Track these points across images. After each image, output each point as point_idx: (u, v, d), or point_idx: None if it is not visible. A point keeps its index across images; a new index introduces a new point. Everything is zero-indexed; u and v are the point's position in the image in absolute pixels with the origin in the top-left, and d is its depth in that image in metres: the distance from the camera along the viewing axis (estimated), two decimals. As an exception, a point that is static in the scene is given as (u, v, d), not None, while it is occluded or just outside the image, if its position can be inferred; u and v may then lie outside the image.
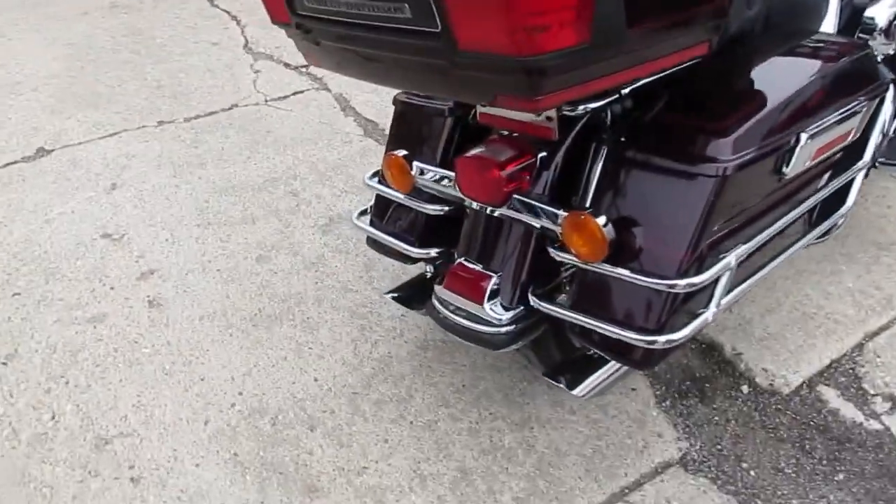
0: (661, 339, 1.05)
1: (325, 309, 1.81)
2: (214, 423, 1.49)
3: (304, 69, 3.10)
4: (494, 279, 1.23)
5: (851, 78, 1.33)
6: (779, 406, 1.64)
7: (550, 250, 1.16)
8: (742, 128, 1.05)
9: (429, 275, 1.54)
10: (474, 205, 1.26)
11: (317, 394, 1.57)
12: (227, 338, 1.71)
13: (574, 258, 1.11)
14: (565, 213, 1.09)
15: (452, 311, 1.28)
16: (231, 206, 2.19)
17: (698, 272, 1.04)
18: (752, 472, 1.48)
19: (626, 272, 1.05)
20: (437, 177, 1.31)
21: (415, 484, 1.39)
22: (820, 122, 1.19)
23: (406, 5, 0.88)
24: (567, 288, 1.24)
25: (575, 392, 1.23)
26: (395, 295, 1.53)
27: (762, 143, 1.07)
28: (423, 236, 1.41)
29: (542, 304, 1.18)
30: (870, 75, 1.38)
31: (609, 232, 1.05)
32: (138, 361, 1.63)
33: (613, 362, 1.26)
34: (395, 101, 1.50)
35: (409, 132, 1.45)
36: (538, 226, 1.17)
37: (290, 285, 1.88)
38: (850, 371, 1.74)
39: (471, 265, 1.27)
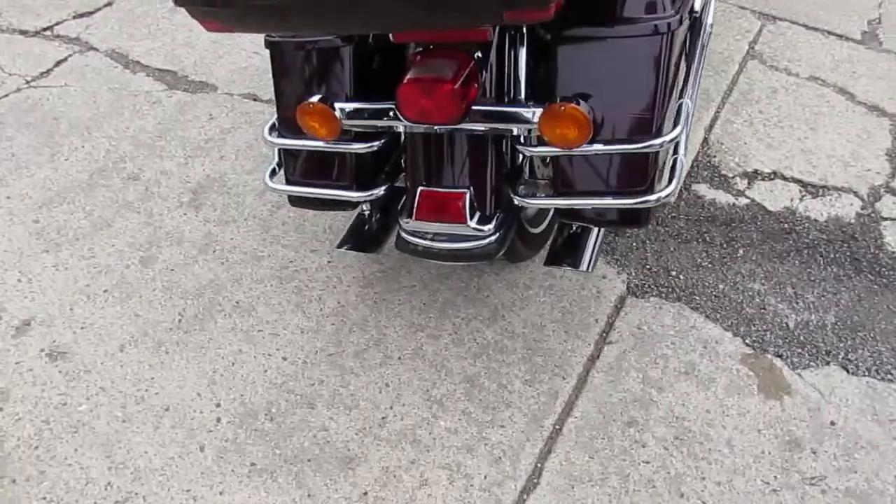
0: (656, 195, 1.16)
1: (249, 286, 1.70)
2: (211, 445, 1.40)
3: (47, 32, 2.60)
4: (468, 195, 1.24)
5: None
6: (673, 214, 1.88)
7: (523, 149, 1.19)
8: None
9: (367, 213, 1.50)
10: (416, 129, 1.23)
11: (294, 371, 1.52)
12: (165, 356, 1.56)
13: (554, 148, 1.15)
14: (541, 109, 1.12)
15: (432, 239, 1.28)
16: (70, 217, 1.89)
17: (671, 125, 1.14)
18: (681, 276, 1.72)
19: (610, 147, 1.12)
20: (370, 112, 1.25)
21: (436, 410, 1.44)
22: None
23: None
24: (540, 177, 1.30)
25: (582, 268, 1.32)
26: (349, 245, 1.48)
27: None
28: (360, 178, 1.36)
29: (530, 200, 1.23)
30: None
31: (590, 114, 1.10)
32: (82, 423, 1.44)
33: (596, 229, 1.36)
34: (270, 45, 1.35)
35: (302, 74, 1.34)
36: (510, 130, 1.18)
37: (195, 276, 1.72)
38: (708, 163, 2.03)
39: (436, 189, 1.26)
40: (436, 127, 1.21)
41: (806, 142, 2.06)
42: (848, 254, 1.76)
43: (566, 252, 1.38)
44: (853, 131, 2.10)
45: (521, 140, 1.22)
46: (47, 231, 1.85)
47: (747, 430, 1.40)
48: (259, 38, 1.96)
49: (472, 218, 1.24)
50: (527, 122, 1.16)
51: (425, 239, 1.29)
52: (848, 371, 1.51)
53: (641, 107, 1.13)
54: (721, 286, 1.70)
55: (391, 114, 1.22)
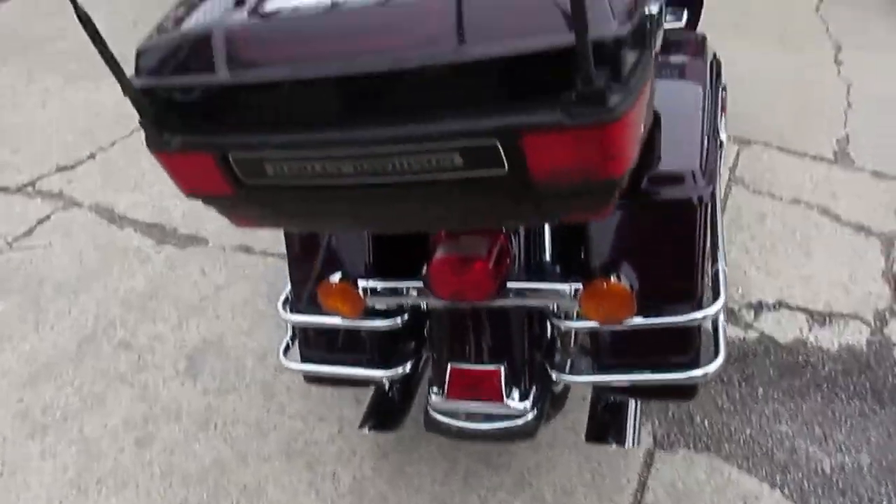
0: (703, 371, 1.12)
1: (256, 465, 1.59)
2: None
3: (28, 189, 2.56)
4: (503, 371, 1.19)
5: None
6: (686, 352, 1.85)
7: (560, 323, 1.16)
8: (703, 154, 1.13)
9: (386, 387, 1.43)
10: (440, 304, 1.19)
11: (313, 564, 1.40)
12: (168, 556, 1.42)
13: (593, 323, 1.12)
14: (580, 286, 1.09)
15: (467, 419, 1.22)
16: (58, 393, 1.78)
17: (712, 293, 1.13)
18: (705, 422, 1.67)
19: (654, 320, 1.10)
20: (396, 290, 1.21)
21: None
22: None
23: (456, 155, 0.79)
24: (573, 349, 1.26)
25: (627, 445, 1.26)
26: (371, 424, 1.41)
27: (710, 158, 1.16)
28: (383, 354, 1.31)
29: (572, 378, 1.19)
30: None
31: (631, 288, 1.07)
32: None
33: (632, 400, 1.31)
34: None
35: (319, 249, 1.31)
36: (546, 305, 1.15)
37: (197, 457, 1.61)
38: (711, 295, 2.02)
39: (468, 366, 1.21)
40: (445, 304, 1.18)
41: (803, 268, 2.08)
42: (867, 385, 1.74)
43: (607, 426, 1.32)
44: (846, 253, 2.13)
45: (556, 312, 1.19)
46: (32, 411, 1.73)
47: None
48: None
49: (508, 395, 1.19)
50: (565, 298, 1.13)
51: (459, 419, 1.23)
52: (895, 521, 1.45)
53: (683, 277, 1.12)
54: (748, 430, 1.65)
55: (419, 291, 1.19)
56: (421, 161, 0.80)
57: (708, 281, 1.16)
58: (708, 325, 1.16)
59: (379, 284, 1.23)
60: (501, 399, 1.19)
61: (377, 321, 1.27)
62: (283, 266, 2.14)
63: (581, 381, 1.21)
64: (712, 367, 1.12)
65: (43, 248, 2.27)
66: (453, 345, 1.24)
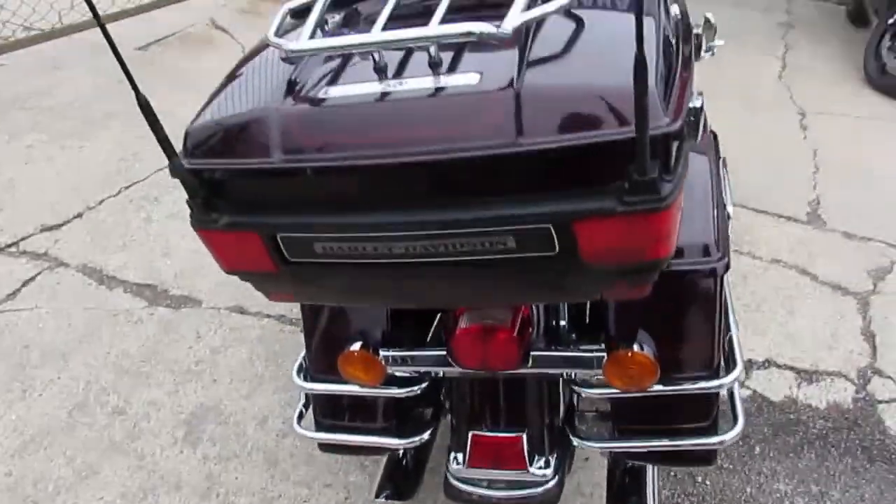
0: (720, 438, 1.15)
1: (261, 535, 1.55)
2: None
3: (13, 249, 2.51)
4: (524, 438, 1.20)
5: None
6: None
7: (580, 390, 1.18)
8: (716, 227, 1.18)
9: (401, 453, 1.43)
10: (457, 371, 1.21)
11: None
12: None
13: (614, 390, 1.14)
14: (604, 355, 1.12)
15: (488, 487, 1.22)
16: (49, 465, 1.72)
17: (727, 360, 1.17)
18: (707, 482, 1.70)
19: (676, 388, 1.13)
20: (420, 358, 1.23)
21: None
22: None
23: (510, 238, 0.82)
24: (591, 415, 1.28)
25: None
26: (387, 494, 1.39)
27: (723, 229, 1.21)
28: (401, 422, 1.31)
29: (594, 444, 1.21)
30: None
31: (654, 357, 1.11)
32: None
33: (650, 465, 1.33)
34: None
35: (337, 316, 1.32)
36: (568, 374, 1.18)
37: (199, 529, 1.57)
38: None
39: (490, 434, 1.22)
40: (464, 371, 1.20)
41: (787, 326, 2.16)
42: (857, 442, 1.80)
43: (628, 491, 1.34)
44: (826, 312, 2.22)
45: (575, 379, 1.22)
46: (22, 485, 1.67)
47: None
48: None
49: (531, 462, 1.20)
50: (590, 367, 1.16)
51: (480, 487, 1.23)
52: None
53: (702, 345, 1.15)
54: (748, 489, 1.68)
55: (442, 360, 1.20)
56: (474, 243, 0.84)
57: (725, 348, 1.20)
58: (723, 390, 1.21)
59: (401, 353, 1.24)
60: (525, 466, 1.20)
61: (397, 389, 1.27)
62: (280, 327, 2.15)
63: (601, 448, 1.23)
64: (732, 434, 1.16)
65: (29, 311, 2.22)
66: (474, 412, 1.25)
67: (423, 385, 1.28)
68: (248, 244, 0.92)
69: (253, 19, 4.53)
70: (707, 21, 1.73)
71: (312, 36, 0.89)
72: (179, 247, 2.50)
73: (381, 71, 0.88)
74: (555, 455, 1.24)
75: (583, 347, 1.18)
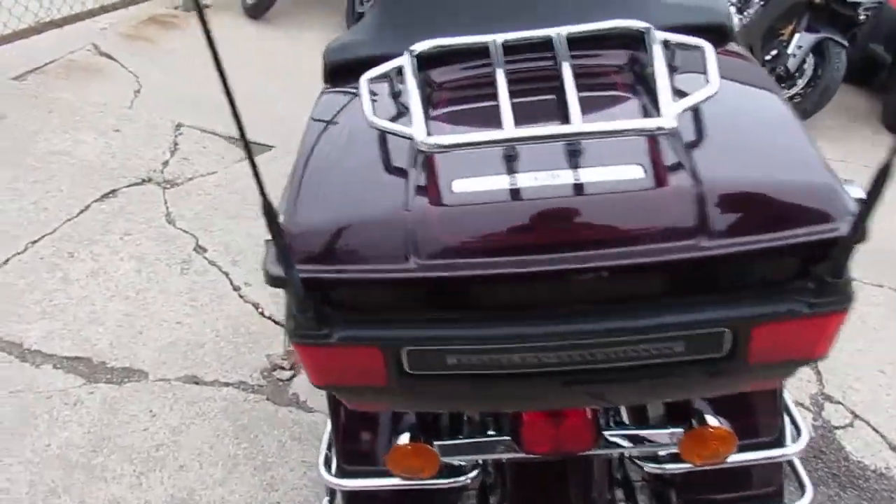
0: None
1: None
2: None
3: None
4: None
5: None
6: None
7: (652, 467, 1.16)
8: None
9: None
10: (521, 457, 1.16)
11: None
12: None
13: (688, 465, 1.13)
14: (681, 430, 1.10)
15: None
16: None
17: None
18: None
19: (750, 455, 1.12)
20: (481, 445, 1.16)
21: None
22: None
23: (679, 343, 0.78)
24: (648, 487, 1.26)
25: None
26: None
27: None
28: None
29: None
30: None
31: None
32: None
33: None
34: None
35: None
36: (641, 453, 1.15)
37: None
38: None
39: None
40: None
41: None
42: (826, 470, 1.92)
43: None
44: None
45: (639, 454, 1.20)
46: None
47: None
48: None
49: None
50: (665, 445, 1.14)
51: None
52: None
53: (769, 414, 1.17)
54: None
55: (505, 446, 1.14)
56: (639, 350, 0.79)
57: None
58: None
59: (460, 442, 1.17)
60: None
61: (446, 479, 1.20)
62: (243, 397, 1.98)
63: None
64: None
65: None
66: (538, 499, 1.20)
67: (475, 472, 1.21)
68: (363, 359, 0.82)
69: (141, 45, 4.19)
70: None
71: (429, 128, 0.81)
72: (108, 310, 2.24)
73: (513, 161, 0.81)
74: None
75: (654, 425, 1.16)
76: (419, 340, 0.80)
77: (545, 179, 0.79)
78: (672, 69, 0.93)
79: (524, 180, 0.79)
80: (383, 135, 0.90)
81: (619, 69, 1.00)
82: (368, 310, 0.80)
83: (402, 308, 0.80)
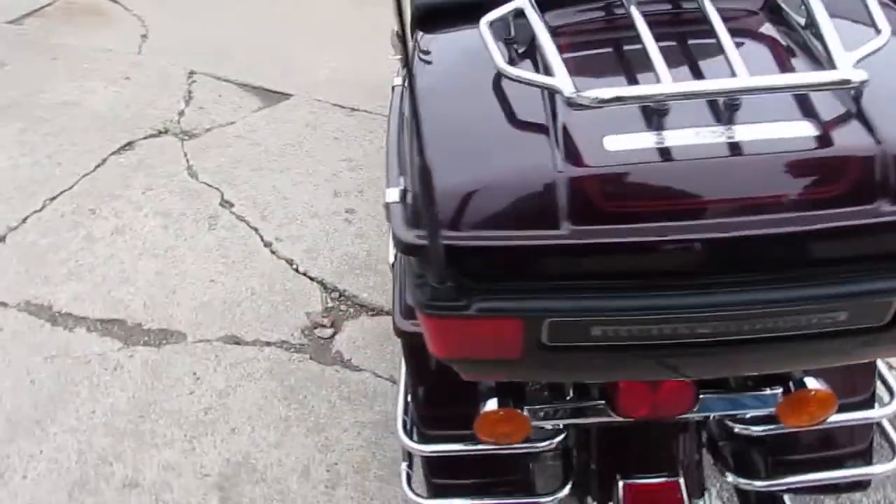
0: (884, 469, 1.13)
1: None
2: None
3: None
4: (681, 483, 1.12)
5: None
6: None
7: (746, 429, 1.12)
8: None
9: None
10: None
11: None
12: None
13: (786, 426, 1.09)
14: (780, 391, 1.05)
15: None
16: None
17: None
18: None
19: (848, 416, 1.09)
20: (574, 410, 1.11)
21: None
22: None
23: (843, 313, 0.73)
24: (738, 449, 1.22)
25: None
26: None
27: None
28: (532, 479, 1.20)
29: (757, 483, 1.15)
30: None
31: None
32: None
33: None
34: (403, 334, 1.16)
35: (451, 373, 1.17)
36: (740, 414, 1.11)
37: None
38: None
39: (645, 481, 1.13)
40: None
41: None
42: None
43: None
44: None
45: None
46: None
47: None
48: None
49: None
50: (764, 406, 1.09)
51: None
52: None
53: (864, 374, 1.13)
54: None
55: (597, 411, 1.09)
56: (800, 319, 0.72)
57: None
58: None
59: (552, 406, 1.12)
60: (685, 509, 1.12)
61: (537, 443, 1.15)
62: (287, 357, 1.92)
63: (765, 487, 1.18)
64: (888, 467, 1.14)
65: (-31, 367, 1.82)
66: (626, 460, 1.16)
67: (563, 436, 1.16)
68: (501, 332, 0.76)
69: (146, -15, 3.99)
70: None
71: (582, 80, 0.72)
72: (137, 269, 2.15)
73: (665, 115, 0.72)
74: (706, 495, 1.18)
75: (753, 387, 1.11)
76: (567, 312, 0.73)
77: (706, 136, 0.71)
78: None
79: (682, 137, 0.71)
80: (512, 85, 0.81)
81: (759, 14, 0.91)
82: (511, 279, 0.73)
83: (549, 276, 0.73)
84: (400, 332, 1.19)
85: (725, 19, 0.81)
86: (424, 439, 1.21)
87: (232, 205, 2.46)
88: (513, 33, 0.91)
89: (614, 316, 0.73)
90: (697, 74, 0.78)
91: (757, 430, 1.14)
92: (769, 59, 0.84)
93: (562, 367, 0.85)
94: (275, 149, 2.75)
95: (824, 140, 0.70)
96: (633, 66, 0.80)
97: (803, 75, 0.69)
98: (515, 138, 0.78)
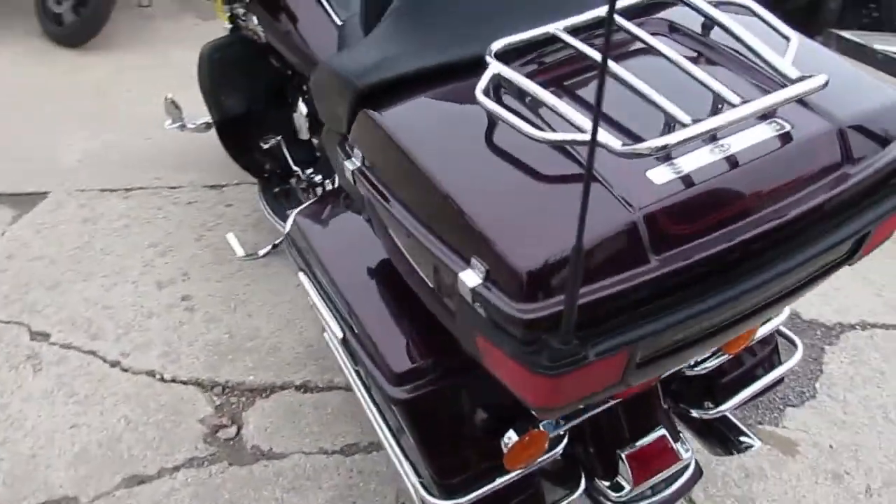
0: (796, 359, 1.52)
1: None
2: None
3: None
4: (666, 434, 1.33)
5: None
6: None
7: (694, 370, 1.38)
8: None
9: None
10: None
11: None
12: None
13: (721, 358, 1.38)
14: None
15: (655, 494, 1.35)
16: None
17: None
18: None
19: (763, 330, 1.40)
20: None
21: None
22: None
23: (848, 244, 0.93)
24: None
25: (756, 445, 1.52)
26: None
27: None
28: (542, 491, 1.33)
29: (722, 407, 1.43)
30: None
31: None
32: None
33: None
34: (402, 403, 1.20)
35: (463, 417, 1.25)
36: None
37: None
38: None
39: (639, 445, 1.32)
40: None
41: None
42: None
43: (727, 438, 1.56)
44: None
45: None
46: None
47: None
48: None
49: (682, 451, 1.35)
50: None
51: (649, 498, 1.35)
52: None
53: None
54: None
55: None
56: (817, 262, 0.92)
57: None
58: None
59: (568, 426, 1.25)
60: (678, 457, 1.35)
61: (555, 450, 1.25)
62: (206, 473, 1.77)
63: (730, 407, 1.44)
64: (796, 358, 1.50)
65: None
66: (618, 434, 1.34)
67: (567, 436, 1.30)
68: (609, 366, 0.85)
69: None
70: None
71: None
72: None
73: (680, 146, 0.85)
74: (681, 433, 1.41)
75: None
76: (660, 331, 0.83)
77: (721, 151, 0.87)
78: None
79: (705, 155, 0.87)
80: (524, 146, 0.88)
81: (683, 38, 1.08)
82: (614, 317, 0.82)
83: (644, 303, 0.83)
84: (397, 402, 1.22)
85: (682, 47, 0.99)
86: (448, 491, 1.25)
87: (47, 335, 2.13)
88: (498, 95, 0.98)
89: (693, 320, 0.85)
90: (697, 105, 0.88)
91: (710, 365, 1.40)
92: (733, 79, 0.98)
93: (648, 374, 0.97)
94: (62, 258, 2.43)
95: (803, 129, 0.91)
96: (634, 106, 0.89)
97: (793, 88, 0.86)
98: (572, 196, 0.83)
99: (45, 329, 2.15)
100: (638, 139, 0.85)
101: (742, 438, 1.53)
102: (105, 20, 3.78)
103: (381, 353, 1.24)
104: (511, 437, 1.20)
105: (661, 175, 0.86)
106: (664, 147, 0.81)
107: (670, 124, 0.86)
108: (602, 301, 0.80)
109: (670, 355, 0.93)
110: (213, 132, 2.43)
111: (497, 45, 1.00)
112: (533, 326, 0.79)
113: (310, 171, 2.28)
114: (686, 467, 1.38)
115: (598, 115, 0.61)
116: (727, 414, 1.52)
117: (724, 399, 1.46)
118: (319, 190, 2.22)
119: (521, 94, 0.97)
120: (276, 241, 2.43)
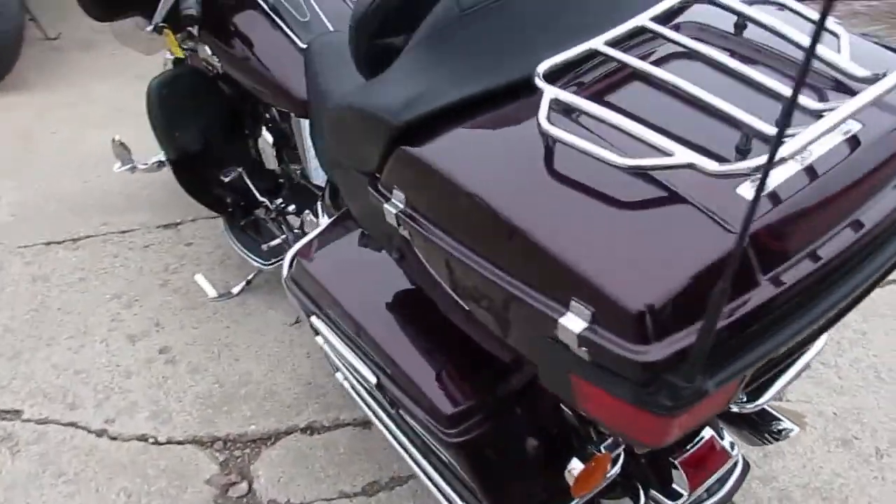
0: None
1: None
2: None
3: None
4: (713, 434, 1.33)
5: None
6: None
7: None
8: None
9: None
10: None
11: None
12: None
13: None
14: None
15: (710, 496, 1.35)
16: None
17: None
18: None
19: None
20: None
21: None
22: None
23: None
24: None
25: (795, 430, 1.53)
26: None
27: None
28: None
29: (762, 399, 1.42)
30: None
31: None
32: None
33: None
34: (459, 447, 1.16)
35: (521, 464, 1.22)
36: None
37: None
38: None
39: (690, 451, 1.30)
40: None
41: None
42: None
43: (767, 428, 1.56)
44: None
45: None
46: None
47: None
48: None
49: (730, 449, 1.35)
50: None
51: (704, 501, 1.35)
52: None
53: None
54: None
55: None
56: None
57: None
58: None
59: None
60: (728, 456, 1.36)
61: (615, 468, 1.24)
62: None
63: (769, 399, 1.44)
64: (822, 341, 1.49)
65: None
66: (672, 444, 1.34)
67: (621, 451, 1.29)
68: (727, 391, 0.83)
69: None
70: None
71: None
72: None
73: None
74: (724, 430, 1.42)
75: None
76: (771, 350, 0.80)
77: (803, 160, 0.83)
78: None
79: (791, 166, 0.82)
80: (600, 170, 0.82)
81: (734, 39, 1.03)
82: (726, 344, 0.78)
83: (752, 325, 0.80)
84: (451, 445, 1.18)
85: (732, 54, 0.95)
86: None
87: (19, 412, 1.96)
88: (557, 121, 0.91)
89: (806, 329, 0.82)
90: (767, 113, 0.82)
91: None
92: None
93: (745, 391, 0.96)
94: (18, 323, 2.23)
95: (875, 128, 0.88)
96: (699, 120, 0.86)
97: (874, 88, 0.82)
98: (666, 224, 0.80)
99: (14, 406, 1.97)
100: (718, 157, 0.82)
101: (783, 425, 1.56)
102: (16, 57, 3.52)
103: (427, 395, 1.19)
104: (576, 465, 1.18)
105: (748, 190, 0.81)
106: (759, 167, 0.75)
107: (747, 136, 0.83)
108: (718, 331, 0.78)
109: (765, 369, 0.92)
110: (165, 170, 2.30)
111: (543, 67, 0.95)
112: (652, 368, 0.75)
113: (279, 200, 2.19)
114: (735, 464, 1.39)
115: (779, 141, 0.57)
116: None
117: (761, 392, 1.48)
118: (291, 219, 2.13)
119: (578, 117, 0.92)
120: (250, 277, 2.32)
